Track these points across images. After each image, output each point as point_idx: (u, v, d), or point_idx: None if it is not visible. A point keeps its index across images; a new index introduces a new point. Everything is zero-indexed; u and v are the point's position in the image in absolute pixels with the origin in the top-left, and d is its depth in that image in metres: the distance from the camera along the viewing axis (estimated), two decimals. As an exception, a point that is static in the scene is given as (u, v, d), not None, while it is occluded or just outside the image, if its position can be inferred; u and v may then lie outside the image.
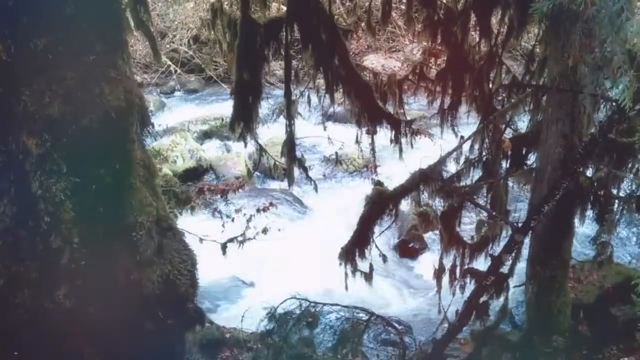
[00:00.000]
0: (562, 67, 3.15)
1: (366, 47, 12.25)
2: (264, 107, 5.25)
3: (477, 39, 4.04)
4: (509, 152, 4.12)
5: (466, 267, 4.18)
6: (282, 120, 4.32)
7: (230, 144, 9.23)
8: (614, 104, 2.91)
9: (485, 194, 4.27)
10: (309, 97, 5.00)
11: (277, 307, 4.23)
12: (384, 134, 4.17)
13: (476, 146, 4.12)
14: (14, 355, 2.43)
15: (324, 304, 4.32)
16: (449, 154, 3.93)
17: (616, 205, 3.76)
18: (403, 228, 6.75)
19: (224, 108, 9.19)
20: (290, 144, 4.00)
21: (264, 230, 5.50)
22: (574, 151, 3.43)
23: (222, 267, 5.61)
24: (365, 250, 3.96)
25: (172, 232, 2.90)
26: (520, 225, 3.33)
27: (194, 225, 4.65)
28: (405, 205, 4.49)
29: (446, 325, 3.82)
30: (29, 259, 2.38)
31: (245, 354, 4.44)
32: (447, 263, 4.23)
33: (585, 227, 4.25)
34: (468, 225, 4.69)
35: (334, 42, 3.63)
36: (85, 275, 2.44)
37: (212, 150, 9.21)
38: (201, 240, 4.80)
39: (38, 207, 2.33)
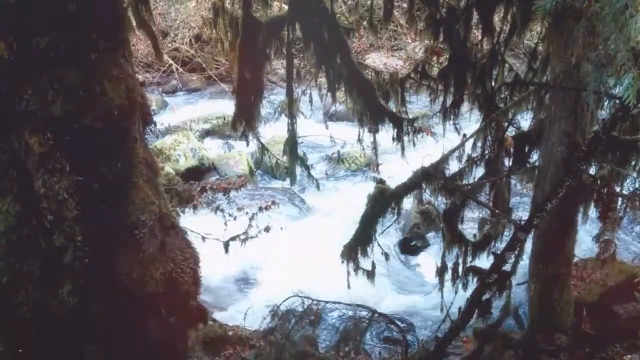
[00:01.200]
0: (565, 64, 3.15)
1: (368, 45, 12.26)
2: (266, 106, 5.24)
3: (480, 37, 4.03)
4: (512, 150, 4.12)
5: (468, 265, 4.18)
6: (284, 119, 4.32)
7: (232, 142, 9.25)
8: (617, 101, 2.90)
9: (487, 192, 4.26)
10: (310, 95, 5.01)
11: (280, 304, 4.24)
12: (386, 133, 4.17)
13: (479, 144, 4.12)
14: (17, 353, 2.44)
15: (327, 302, 4.33)
16: (452, 152, 3.94)
17: (619, 203, 3.76)
18: (405, 226, 6.75)
19: (226, 107, 9.21)
20: (292, 143, 4.00)
21: (266, 229, 5.51)
22: (577, 149, 3.42)
23: (224, 265, 5.63)
24: (368, 249, 3.97)
25: (174, 230, 2.89)
26: (523, 223, 3.33)
27: (196, 224, 4.65)
28: (407, 203, 4.49)
29: (448, 323, 3.83)
30: (32, 257, 2.38)
31: (248, 352, 4.45)
32: (450, 261, 4.24)
33: (588, 225, 4.24)
34: (470, 223, 4.68)
35: (336, 40, 3.62)
36: (88, 273, 2.44)
37: (214, 149, 9.23)
38: (204, 238, 4.81)
39: (41, 205, 2.33)
